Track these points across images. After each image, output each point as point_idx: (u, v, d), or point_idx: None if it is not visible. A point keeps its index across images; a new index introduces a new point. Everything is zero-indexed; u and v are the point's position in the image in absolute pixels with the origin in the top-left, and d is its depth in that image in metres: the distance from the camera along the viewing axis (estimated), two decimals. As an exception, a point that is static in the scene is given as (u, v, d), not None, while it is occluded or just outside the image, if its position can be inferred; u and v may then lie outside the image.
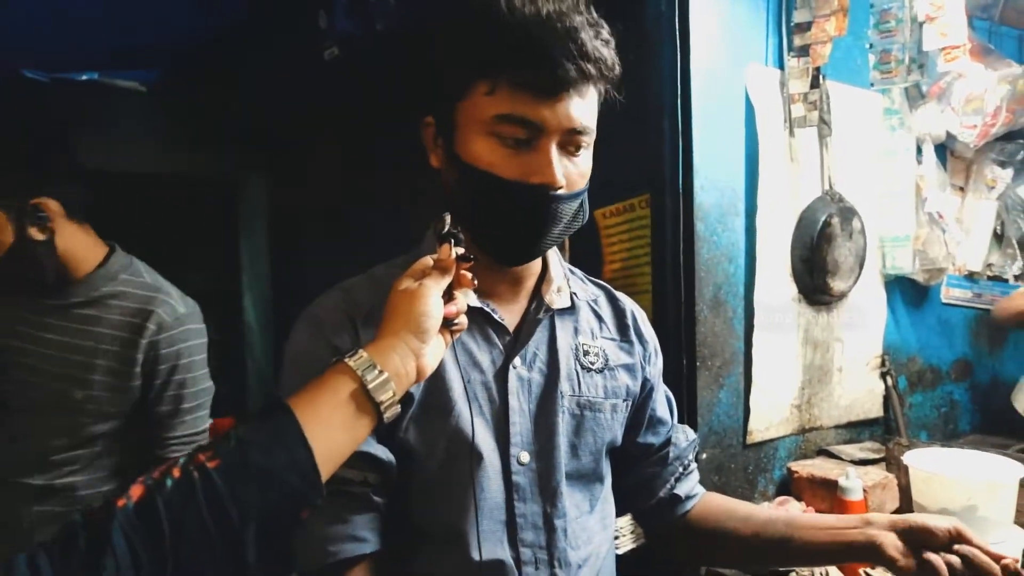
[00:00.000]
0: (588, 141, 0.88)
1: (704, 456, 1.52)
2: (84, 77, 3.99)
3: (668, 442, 1.10)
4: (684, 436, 1.12)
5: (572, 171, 0.87)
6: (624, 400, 1.03)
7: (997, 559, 0.86)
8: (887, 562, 0.89)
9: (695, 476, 1.12)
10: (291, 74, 3.30)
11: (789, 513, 1.04)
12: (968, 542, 0.87)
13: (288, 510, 0.62)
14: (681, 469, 1.10)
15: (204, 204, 5.32)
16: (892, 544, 0.89)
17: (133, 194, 5.02)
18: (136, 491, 0.56)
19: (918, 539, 0.89)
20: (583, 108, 0.85)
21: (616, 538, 1.17)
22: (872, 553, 0.91)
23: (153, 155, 4.95)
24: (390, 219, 3.79)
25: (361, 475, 0.87)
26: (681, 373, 1.50)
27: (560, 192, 0.86)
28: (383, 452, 0.88)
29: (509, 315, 0.98)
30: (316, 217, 4.54)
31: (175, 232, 5.23)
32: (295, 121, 4.11)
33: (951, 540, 0.88)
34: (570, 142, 0.86)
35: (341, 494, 0.86)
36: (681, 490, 1.10)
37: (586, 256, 1.99)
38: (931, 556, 0.86)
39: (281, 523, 0.62)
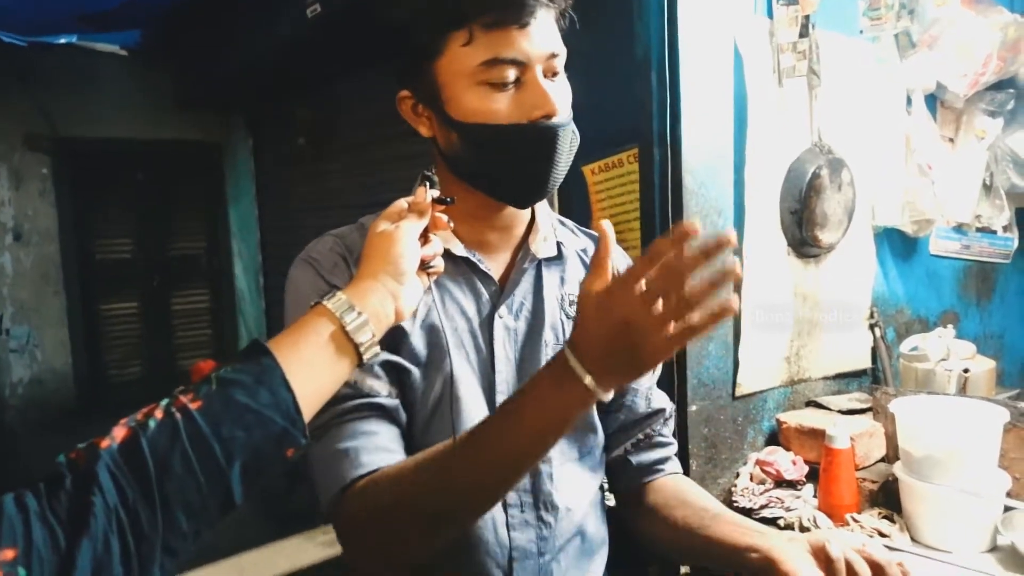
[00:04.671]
0: (562, 64, 0.89)
1: (693, 408, 1.53)
2: (62, 40, 3.89)
3: (621, 404, 1.07)
4: (646, 403, 1.08)
5: (562, 96, 0.89)
6: None
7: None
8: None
9: (662, 452, 1.09)
10: (274, 33, 3.24)
11: (726, 511, 1.01)
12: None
13: (273, 449, 0.62)
14: (641, 436, 1.08)
15: (190, 170, 5.27)
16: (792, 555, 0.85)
17: (117, 161, 4.97)
18: (120, 432, 0.57)
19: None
20: (552, 31, 0.87)
21: (606, 490, 1.18)
22: (768, 562, 0.86)
23: (136, 120, 4.89)
24: (377, 182, 3.76)
25: (387, 387, 0.89)
26: (670, 326, 1.51)
27: (560, 119, 0.87)
28: (400, 361, 0.90)
29: (496, 265, 0.99)
30: (304, 180, 4.51)
31: (163, 199, 5.19)
32: (279, 82, 4.05)
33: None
34: (550, 68, 0.87)
35: (367, 408, 0.87)
36: (636, 459, 1.08)
37: (575, 213, 1.98)
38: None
39: (266, 462, 0.62)
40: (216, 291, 5.44)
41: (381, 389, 0.88)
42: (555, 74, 0.88)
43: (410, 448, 0.93)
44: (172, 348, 5.27)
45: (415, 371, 0.92)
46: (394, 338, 0.90)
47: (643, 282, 0.66)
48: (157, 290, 5.17)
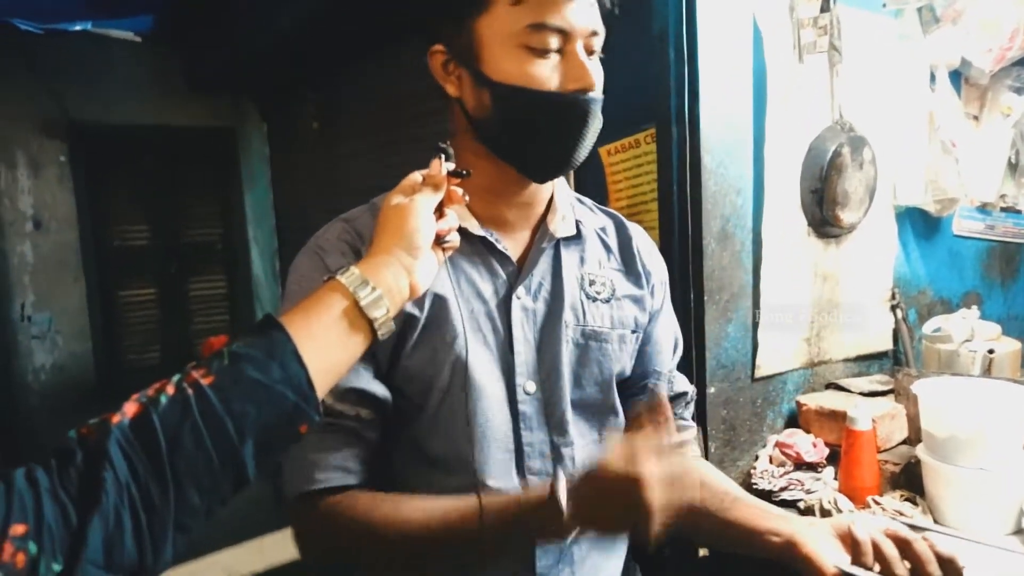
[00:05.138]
0: (600, 44, 0.89)
1: (712, 390, 1.51)
2: (77, 27, 3.90)
3: (644, 387, 1.06)
4: (668, 386, 1.07)
5: (598, 75, 0.88)
6: (633, 332, 1.03)
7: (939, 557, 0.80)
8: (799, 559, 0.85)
9: (682, 436, 1.08)
10: (286, 14, 3.21)
11: (746, 495, 1.01)
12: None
13: (285, 425, 0.61)
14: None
15: (205, 156, 5.28)
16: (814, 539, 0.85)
17: (133, 147, 4.98)
18: (131, 408, 0.56)
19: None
20: (594, 9, 0.87)
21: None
22: (789, 545, 0.86)
23: (150, 106, 4.90)
24: (391, 165, 3.75)
25: (354, 410, 0.87)
26: (689, 307, 1.49)
27: (595, 95, 0.87)
28: (378, 388, 0.89)
29: (513, 244, 0.97)
30: (317, 165, 4.50)
31: (179, 185, 5.21)
32: (292, 65, 4.03)
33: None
34: (589, 46, 0.87)
35: (333, 427, 0.86)
36: None
37: (590, 195, 1.96)
38: (859, 534, 0.82)
39: (279, 437, 0.61)
40: (232, 277, 5.46)
41: (347, 411, 0.87)
42: (592, 52, 0.89)
43: (419, 433, 0.92)
44: (190, 334, 5.30)
45: (413, 363, 0.91)
46: (403, 326, 0.89)
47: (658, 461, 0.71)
48: (174, 276, 5.19)
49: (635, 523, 0.71)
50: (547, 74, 0.84)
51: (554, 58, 0.85)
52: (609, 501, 0.72)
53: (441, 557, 0.84)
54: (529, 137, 0.87)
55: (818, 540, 0.84)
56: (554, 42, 0.84)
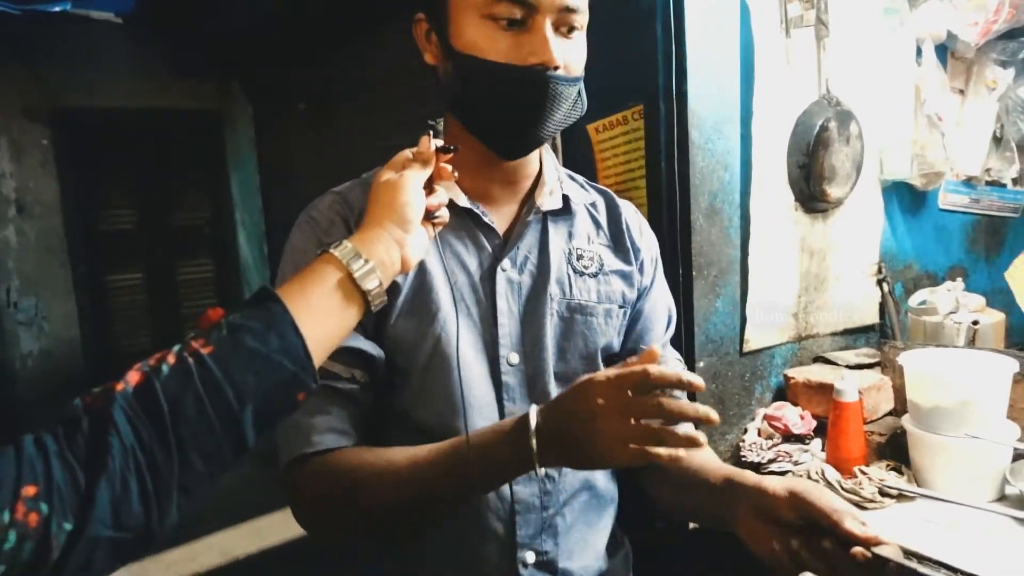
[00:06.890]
0: (581, 22, 0.87)
1: (701, 365, 1.53)
2: (56, 8, 3.83)
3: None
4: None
5: (569, 53, 0.86)
6: (620, 307, 1.03)
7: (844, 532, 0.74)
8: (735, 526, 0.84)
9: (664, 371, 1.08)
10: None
11: (719, 470, 0.97)
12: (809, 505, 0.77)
13: (284, 393, 0.63)
14: None
15: (191, 139, 5.23)
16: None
17: (117, 131, 4.93)
18: (134, 377, 0.57)
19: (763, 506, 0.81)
20: None
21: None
22: (730, 513, 0.86)
23: (135, 90, 4.85)
24: (378, 146, 3.73)
25: (348, 371, 0.89)
26: (677, 283, 1.50)
27: (558, 73, 0.85)
28: (372, 347, 0.90)
29: (500, 218, 0.98)
30: (305, 147, 4.47)
31: (165, 169, 5.16)
32: (277, 46, 3.99)
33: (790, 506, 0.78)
34: (564, 22, 0.85)
35: (327, 389, 0.87)
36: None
37: (580, 172, 1.96)
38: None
39: (277, 406, 0.63)
40: (221, 261, 5.44)
41: (342, 372, 0.89)
42: (571, 30, 0.87)
43: (405, 402, 0.93)
44: (179, 318, 5.29)
45: (398, 332, 0.91)
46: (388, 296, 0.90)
47: (629, 392, 0.70)
48: (162, 260, 5.17)
49: (593, 454, 0.72)
50: (507, 46, 0.84)
51: (519, 31, 0.84)
52: (568, 430, 0.74)
53: (430, 493, 0.83)
54: (487, 110, 0.87)
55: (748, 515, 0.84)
56: (517, 14, 0.83)
